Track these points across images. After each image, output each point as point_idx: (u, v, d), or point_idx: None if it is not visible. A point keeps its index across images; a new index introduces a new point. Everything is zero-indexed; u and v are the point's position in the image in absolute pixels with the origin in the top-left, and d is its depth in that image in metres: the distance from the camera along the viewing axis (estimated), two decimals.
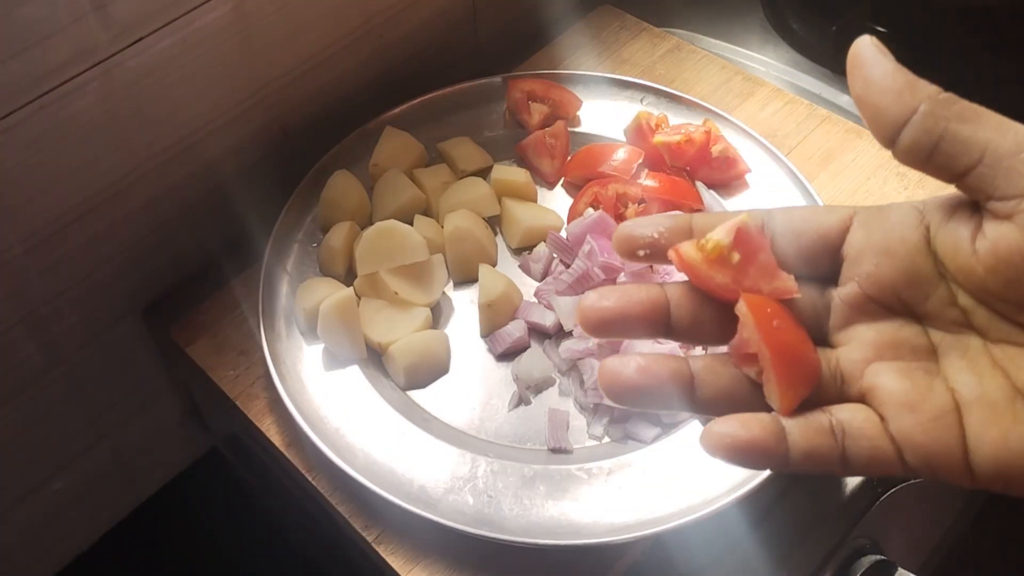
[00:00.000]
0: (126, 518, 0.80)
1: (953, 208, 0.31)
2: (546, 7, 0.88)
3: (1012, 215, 0.29)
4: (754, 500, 0.57)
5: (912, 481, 0.70)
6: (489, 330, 0.67)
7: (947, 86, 0.31)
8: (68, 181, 0.60)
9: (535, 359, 0.65)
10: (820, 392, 0.32)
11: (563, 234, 0.69)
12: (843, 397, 0.32)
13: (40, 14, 0.52)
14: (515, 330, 0.66)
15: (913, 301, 0.32)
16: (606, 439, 0.62)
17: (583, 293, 0.65)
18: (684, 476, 0.58)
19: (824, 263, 0.34)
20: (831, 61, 0.88)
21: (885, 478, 0.67)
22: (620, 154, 0.73)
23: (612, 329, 0.33)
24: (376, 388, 0.63)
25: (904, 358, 0.31)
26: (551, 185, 0.76)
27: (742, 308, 0.32)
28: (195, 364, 0.67)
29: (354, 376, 0.64)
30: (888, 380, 0.31)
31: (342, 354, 0.64)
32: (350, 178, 0.71)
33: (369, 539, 0.58)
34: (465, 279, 0.71)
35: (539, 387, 0.65)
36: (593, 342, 0.63)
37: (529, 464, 0.60)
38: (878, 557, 0.67)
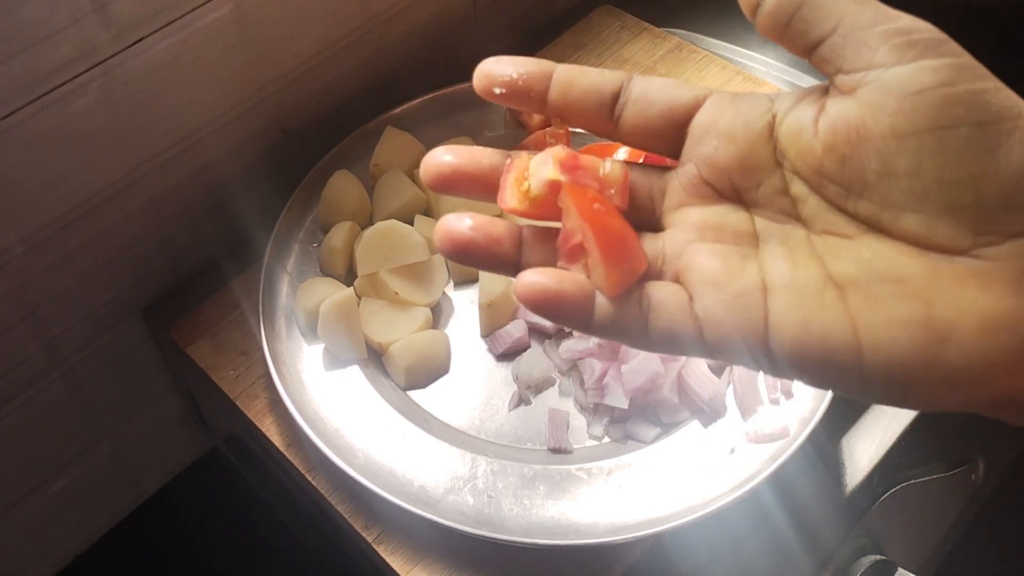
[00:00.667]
0: (126, 518, 0.80)
1: (802, 95, 0.31)
2: (546, 7, 0.88)
3: (855, 89, 0.29)
4: (754, 500, 0.57)
5: (912, 481, 0.70)
6: (489, 330, 0.67)
7: None
8: (68, 181, 0.60)
9: (535, 359, 0.65)
10: (643, 275, 0.32)
11: None
12: (661, 277, 0.32)
13: (40, 14, 0.52)
14: (515, 330, 0.66)
15: (745, 187, 0.32)
16: (606, 439, 0.62)
17: None
18: (684, 476, 0.58)
19: (668, 138, 0.33)
20: None
21: (885, 477, 0.67)
22: (620, 154, 0.73)
23: (449, 185, 0.33)
24: (376, 388, 0.63)
25: (724, 241, 0.31)
26: None
27: (564, 198, 0.32)
28: (195, 364, 0.67)
29: (354, 376, 0.64)
30: (702, 260, 0.31)
31: (342, 354, 0.64)
32: (350, 178, 0.71)
33: (369, 539, 0.58)
34: (465, 279, 0.71)
35: (539, 387, 0.65)
36: (594, 342, 0.63)
37: (529, 464, 0.60)
38: (878, 557, 0.67)
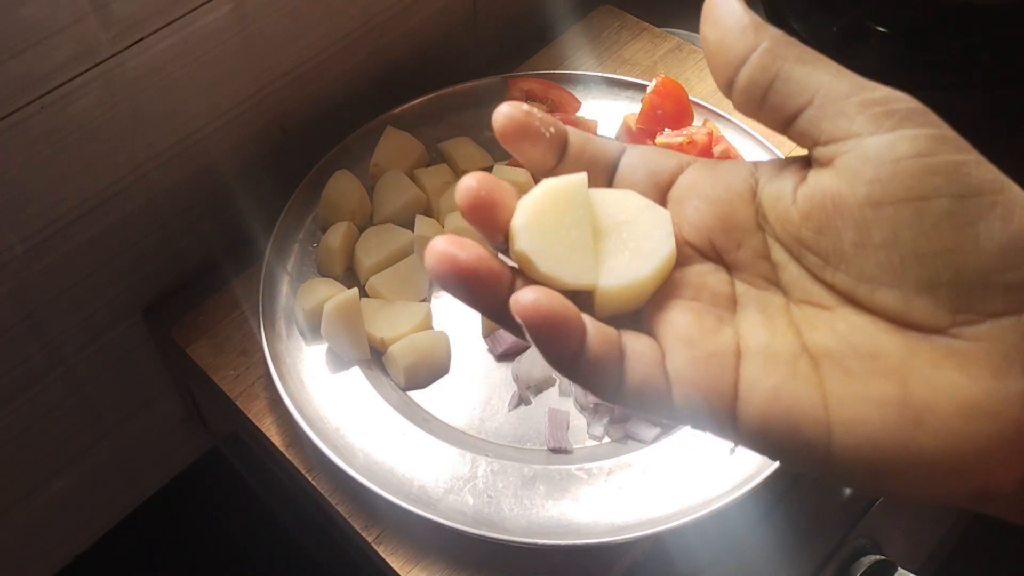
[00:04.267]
0: (126, 518, 0.80)
1: (785, 164, 0.31)
2: (546, 7, 0.88)
3: (833, 159, 0.28)
4: (754, 500, 0.57)
5: None
6: (489, 330, 0.67)
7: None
8: (68, 181, 0.60)
9: (535, 359, 0.65)
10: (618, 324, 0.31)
11: None
12: (638, 330, 0.31)
13: (40, 14, 0.52)
14: None
15: (725, 248, 0.31)
16: (606, 439, 0.62)
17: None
18: (684, 476, 0.58)
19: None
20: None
21: None
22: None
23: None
24: (376, 388, 0.63)
25: (701, 300, 0.30)
26: None
27: None
28: (195, 364, 0.67)
29: (354, 376, 0.64)
30: (676, 315, 0.30)
31: (345, 354, 0.64)
32: (350, 178, 0.71)
33: (369, 539, 0.58)
34: None
35: (539, 387, 0.65)
36: None
37: (529, 464, 0.60)
38: (878, 557, 0.67)
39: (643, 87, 0.77)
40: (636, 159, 0.33)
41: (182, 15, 0.59)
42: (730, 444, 0.59)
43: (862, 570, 0.67)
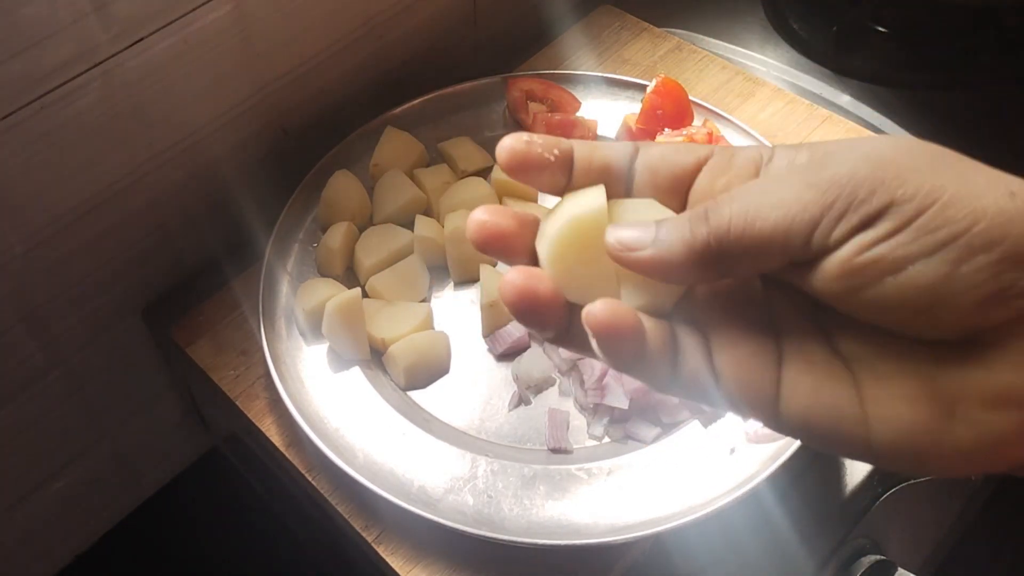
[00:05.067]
0: (126, 518, 0.80)
1: (794, 154, 0.31)
2: (546, 7, 0.89)
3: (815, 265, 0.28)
4: (754, 500, 0.57)
5: (912, 481, 0.70)
6: (490, 330, 0.67)
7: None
8: (68, 181, 0.60)
9: (535, 359, 0.65)
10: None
11: None
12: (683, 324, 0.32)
13: (40, 14, 0.52)
14: (515, 330, 0.66)
15: None
16: (606, 439, 0.62)
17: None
18: (684, 476, 0.58)
19: (676, 205, 0.32)
20: (831, 61, 0.88)
21: (885, 477, 0.67)
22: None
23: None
24: (376, 388, 0.63)
25: (736, 298, 0.31)
26: None
27: None
28: (195, 364, 0.67)
29: (354, 376, 0.64)
30: (718, 317, 0.31)
31: (346, 354, 0.64)
32: (350, 178, 0.71)
33: (369, 539, 0.59)
34: (466, 279, 0.71)
35: (539, 387, 0.65)
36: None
37: (529, 464, 0.60)
38: (878, 557, 0.67)
39: (643, 87, 0.77)
40: (655, 159, 0.32)
41: (182, 15, 0.59)
42: (730, 444, 0.59)
43: (862, 570, 0.67)
